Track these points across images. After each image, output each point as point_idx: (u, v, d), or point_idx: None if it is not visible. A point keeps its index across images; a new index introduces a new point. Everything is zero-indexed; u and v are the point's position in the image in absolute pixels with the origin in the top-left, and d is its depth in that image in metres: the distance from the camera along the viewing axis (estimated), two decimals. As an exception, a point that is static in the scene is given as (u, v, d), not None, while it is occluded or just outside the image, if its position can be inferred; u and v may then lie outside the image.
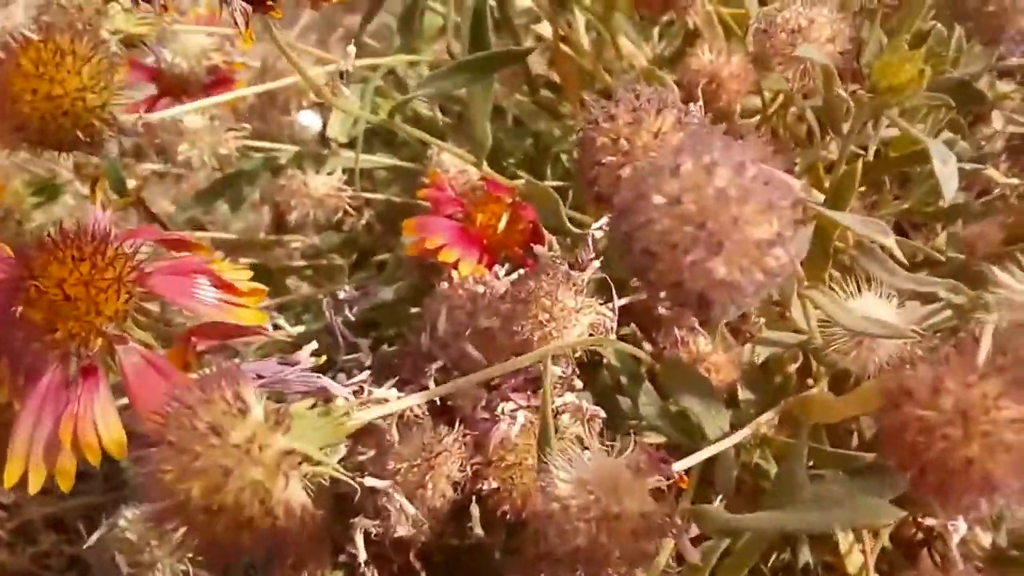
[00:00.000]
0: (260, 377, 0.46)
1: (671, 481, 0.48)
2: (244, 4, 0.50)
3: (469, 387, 0.62)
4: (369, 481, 0.50)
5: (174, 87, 0.96)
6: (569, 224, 0.69)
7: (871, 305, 0.58)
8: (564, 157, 1.00)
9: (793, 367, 0.84)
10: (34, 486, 0.52)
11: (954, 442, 0.42)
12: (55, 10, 0.70)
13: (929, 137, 0.77)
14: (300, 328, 0.80)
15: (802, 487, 0.58)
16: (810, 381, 0.76)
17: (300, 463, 0.41)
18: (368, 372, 0.49)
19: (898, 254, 0.55)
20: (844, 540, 0.81)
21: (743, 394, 0.76)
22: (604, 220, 0.68)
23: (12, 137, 0.63)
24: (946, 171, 0.57)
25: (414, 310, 0.83)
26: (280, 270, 0.97)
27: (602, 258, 0.66)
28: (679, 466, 0.49)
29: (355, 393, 0.47)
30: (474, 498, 0.62)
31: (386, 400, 0.48)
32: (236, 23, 0.51)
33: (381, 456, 0.63)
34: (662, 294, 0.39)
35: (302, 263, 0.98)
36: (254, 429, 0.41)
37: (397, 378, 0.57)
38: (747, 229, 0.37)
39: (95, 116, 0.62)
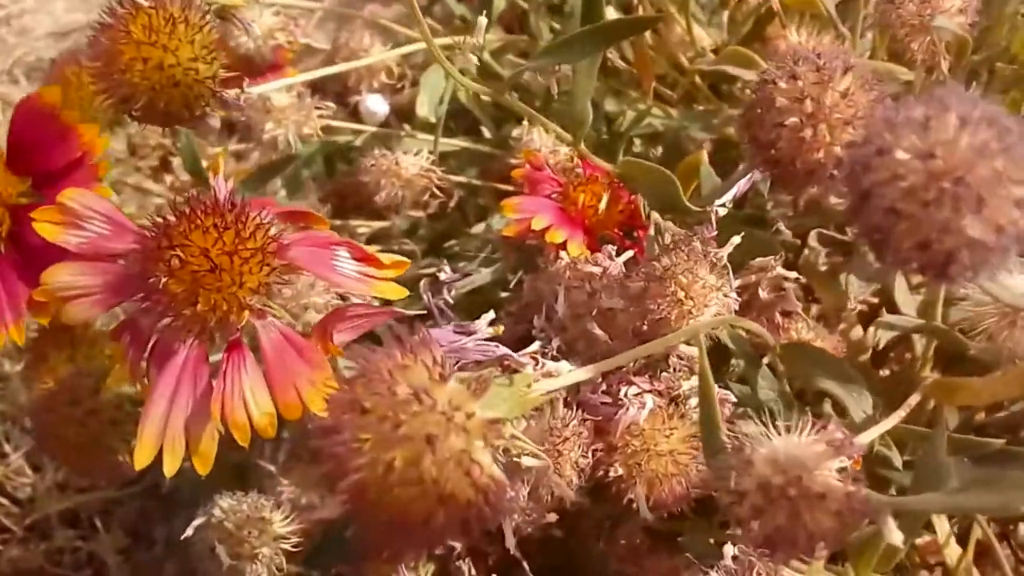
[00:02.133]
0: (440, 345, 0.43)
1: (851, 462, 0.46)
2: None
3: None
4: (528, 461, 0.48)
5: (237, 67, 0.94)
6: (687, 203, 0.67)
7: (1022, 284, 0.57)
8: (637, 141, 0.98)
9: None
10: (170, 469, 0.49)
11: None
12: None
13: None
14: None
15: (947, 470, 0.56)
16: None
17: (501, 434, 0.39)
18: (538, 344, 0.46)
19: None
20: (941, 531, 0.80)
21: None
22: (728, 196, 0.67)
23: (119, 108, 0.61)
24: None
25: (504, 295, 0.80)
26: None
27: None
28: (862, 440, 0.47)
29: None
30: (635, 483, 0.59)
31: (558, 373, 0.45)
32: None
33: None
34: (904, 255, 0.37)
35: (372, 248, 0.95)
36: (456, 396, 0.38)
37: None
38: (1009, 185, 0.35)
39: (205, 87, 0.60)
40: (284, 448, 0.87)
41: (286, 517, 0.70)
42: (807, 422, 0.45)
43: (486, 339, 0.44)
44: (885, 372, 0.86)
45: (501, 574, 0.75)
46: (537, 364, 0.45)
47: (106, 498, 1.27)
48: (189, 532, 0.66)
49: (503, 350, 0.43)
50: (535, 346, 0.46)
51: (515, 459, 0.50)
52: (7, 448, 1.27)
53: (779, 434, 0.45)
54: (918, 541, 0.83)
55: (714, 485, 0.45)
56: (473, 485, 0.38)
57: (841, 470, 0.45)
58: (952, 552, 0.79)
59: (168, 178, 0.92)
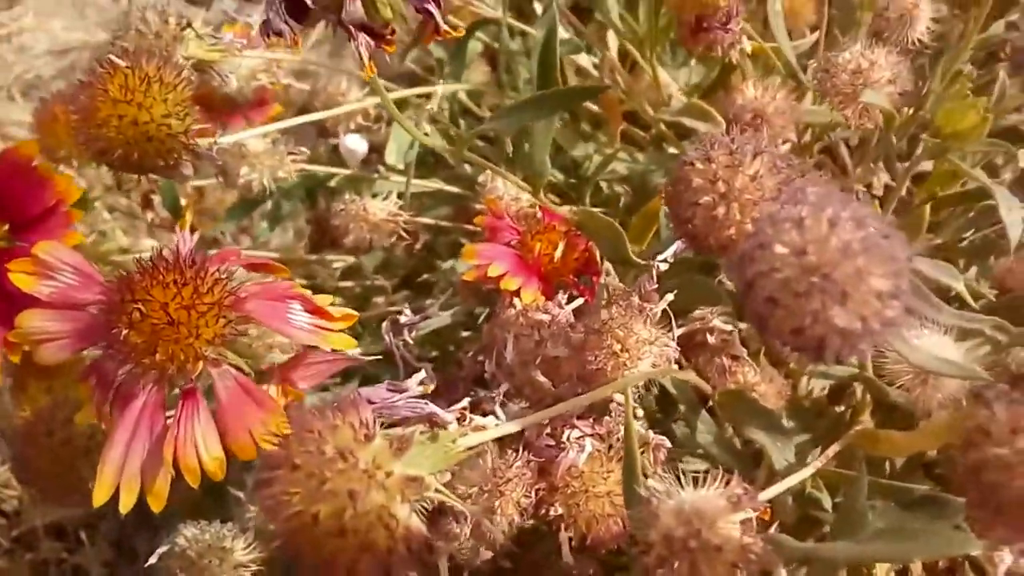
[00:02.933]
0: (371, 403, 0.47)
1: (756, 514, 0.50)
2: (367, 38, 0.51)
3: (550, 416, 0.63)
4: (459, 505, 0.51)
5: (220, 107, 0.98)
6: (632, 255, 0.71)
7: (936, 344, 0.60)
8: (604, 184, 1.02)
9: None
10: (125, 506, 0.53)
11: (1033, 481, 0.44)
12: (133, 35, 0.71)
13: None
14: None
15: (865, 517, 0.60)
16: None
17: (420, 488, 0.43)
18: (468, 399, 0.50)
19: (968, 299, 0.57)
20: (880, 570, 0.83)
21: (788, 424, 0.78)
22: (670, 251, 0.70)
23: (94, 160, 0.65)
24: (1012, 216, 0.59)
25: (465, 334, 0.84)
26: (321, 289, 0.98)
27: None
28: (764, 497, 0.51)
29: (457, 420, 0.48)
30: (564, 530, 0.63)
31: (484, 427, 0.49)
32: (360, 57, 0.52)
33: (448, 482, 0.65)
34: (781, 338, 0.40)
35: (346, 283, 0.99)
36: (378, 455, 0.42)
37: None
38: (870, 281, 0.38)
39: (177, 142, 0.64)
40: (252, 474, 0.90)
41: (248, 545, 0.73)
42: (716, 476, 0.49)
43: (416, 397, 0.48)
44: (839, 408, 0.90)
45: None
46: (464, 420, 0.48)
47: (91, 512, 1.30)
48: (153, 560, 0.70)
49: (431, 408, 0.47)
50: (464, 403, 0.49)
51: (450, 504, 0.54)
52: (-5, 461, 1.30)
53: (689, 488, 0.49)
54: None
55: (632, 534, 0.49)
56: (391, 536, 0.42)
57: (744, 521, 0.48)
58: (886, 585, 0.83)
59: (149, 215, 0.96)
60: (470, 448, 0.47)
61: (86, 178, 1.12)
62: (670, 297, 0.64)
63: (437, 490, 0.45)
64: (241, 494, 0.86)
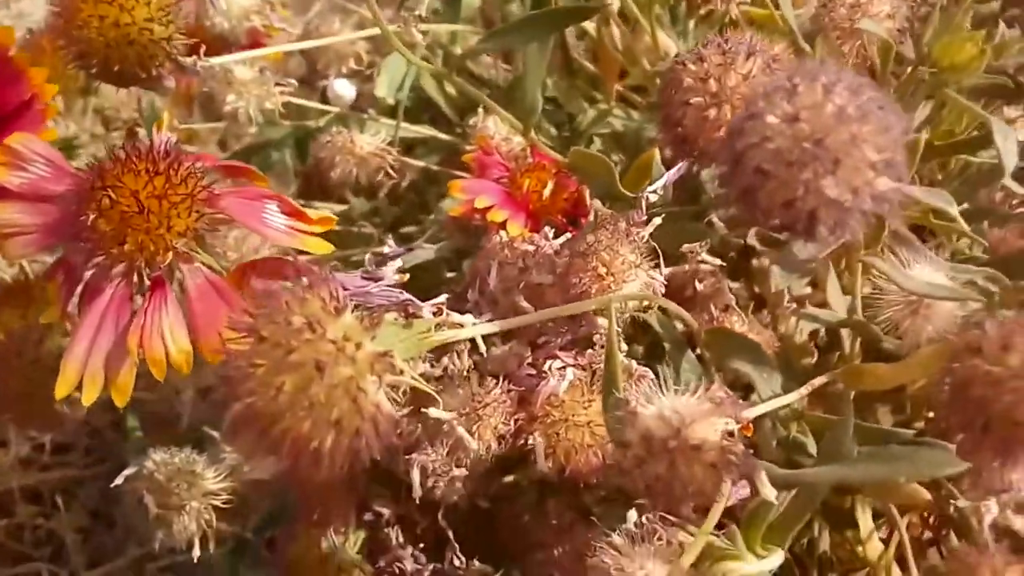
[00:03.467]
0: (345, 288, 0.45)
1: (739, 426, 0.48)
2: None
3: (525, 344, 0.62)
4: (434, 412, 0.50)
5: (211, 46, 0.96)
6: (622, 189, 0.70)
7: (928, 272, 0.59)
8: (598, 140, 1.00)
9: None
10: (87, 398, 0.52)
11: (1022, 396, 0.43)
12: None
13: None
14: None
15: (847, 453, 0.58)
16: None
17: (391, 368, 0.41)
18: (445, 298, 0.48)
19: (962, 224, 0.56)
20: (864, 526, 0.82)
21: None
22: (660, 182, 0.69)
23: (73, 65, 0.63)
24: (1007, 145, 0.58)
25: (450, 274, 0.83)
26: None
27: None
28: (749, 413, 0.49)
29: (434, 314, 0.47)
30: (535, 439, 0.61)
31: (462, 325, 0.47)
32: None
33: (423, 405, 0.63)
34: (770, 214, 0.39)
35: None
36: (348, 328, 0.40)
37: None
38: (864, 148, 0.37)
39: (159, 48, 0.62)
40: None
41: (219, 475, 0.72)
42: (698, 387, 0.48)
43: (391, 286, 0.47)
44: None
45: (429, 545, 0.77)
46: (440, 314, 0.47)
47: (69, 476, 1.28)
48: (119, 481, 0.68)
49: (406, 296, 0.46)
50: (441, 298, 0.48)
51: (426, 414, 0.52)
52: (-30, 424, 1.28)
53: (670, 394, 0.47)
54: (859, 550, 0.84)
55: (608, 437, 0.48)
56: (359, 412, 0.40)
57: (726, 433, 0.47)
58: (873, 548, 0.82)
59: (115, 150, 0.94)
60: (443, 340, 0.45)
61: (74, 124, 1.10)
62: (657, 221, 0.62)
63: (412, 378, 0.43)
64: (216, 433, 0.85)
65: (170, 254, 0.51)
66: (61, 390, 0.51)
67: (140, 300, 0.52)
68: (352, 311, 0.42)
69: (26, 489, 1.25)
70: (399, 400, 0.43)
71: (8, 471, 1.26)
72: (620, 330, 0.66)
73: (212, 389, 1.01)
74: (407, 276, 0.48)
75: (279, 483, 0.77)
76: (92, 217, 0.50)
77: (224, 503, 0.71)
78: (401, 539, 0.75)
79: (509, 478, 0.76)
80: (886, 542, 0.82)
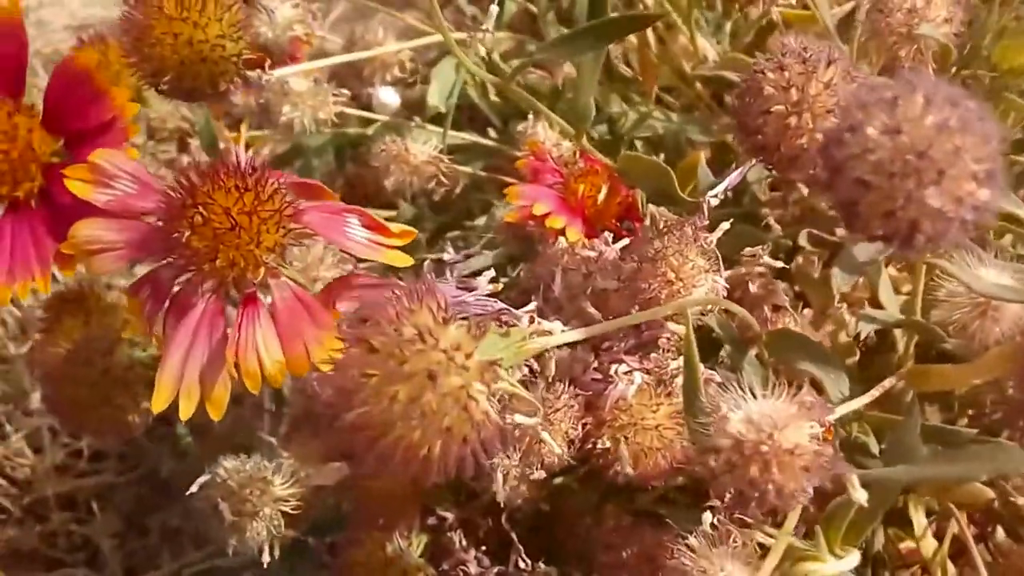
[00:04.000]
0: (444, 300, 0.46)
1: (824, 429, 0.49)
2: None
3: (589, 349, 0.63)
4: (519, 418, 0.51)
5: (256, 54, 0.97)
6: (682, 194, 0.71)
7: (995, 273, 0.60)
8: (639, 143, 1.01)
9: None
10: (185, 412, 0.53)
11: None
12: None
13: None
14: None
15: (915, 453, 0.59)
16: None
17: (497, 376, 0.42)
18: (533, 306, 0.49)
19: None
20: (918, 524, 0.83)
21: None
22: (721, 186, 0.70)
23: (147, 81, 0.64)
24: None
25: (503, 279, 0.84)
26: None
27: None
28: (834, 415, 0.50)
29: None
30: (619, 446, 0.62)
31: (551, 333, 0.48)
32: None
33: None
34: (871, 224, 0.40)
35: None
36: (459, 338, 0.41)
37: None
38: (966, 159, 0.38)
39: (230, 65, 0.63)
40: (285, 421, 0.90)
41: (286, 481, 0.73)
42: (782, 391, 0.49)
43: (486, 295, 0.48)
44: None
45: (492, 547, 0.78)
46: (533, 322, 0.48)
47: (104, 483, 1.28)
48: (194, 489, 0.69)
49: (502, 305, 0.47)
50: (532, 306, 0.49)
51: (508, 419, 0.53)
52: (8, 429, 1.29)
53: (756, 399, 0.48)
54: (900, 547, 0.85)
55: (693, 443, 0.48)
56: (470, 421, 0.41)
57: (813, 436, 0.48)
58: (928, 545, 0.82)
59: (185, 159, 0.95)
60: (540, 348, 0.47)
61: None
62: (726, 225, 0.63)
63: (511, 385, 0.44)
64: (273, 440, 0.86)
65: (262, 269, 0.52)
66: (158, 404, 0.52)
67: (232, 314, 0.53)
68: (456, 321, 0.43)
69: (61, 496, 1.26)
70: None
71: (43, 478, 1.27)
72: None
73: (244, 396, 1.02)
74: (500, 285, 0.49)
75: (342, 489, 0.78)
76: (186, 234, 0.51)
77: (292, 509, 0.72)
78: (464, 542, 0.76)
79: (560, 479, 0.78)
80: (936, 538, 0.83)
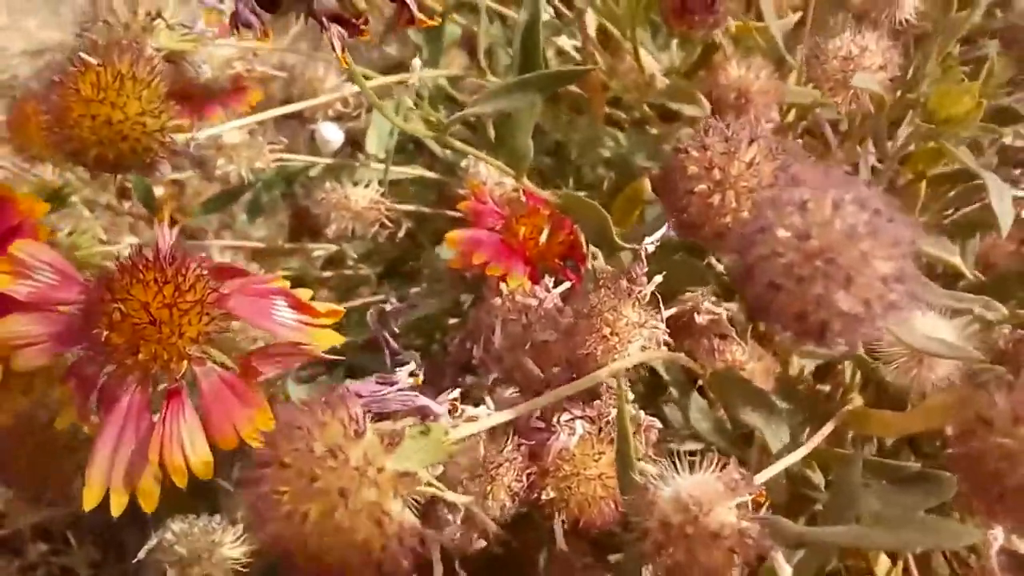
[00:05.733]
0: (360, 396, 0.46)
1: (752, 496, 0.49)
2: (340, 29, 0.50)
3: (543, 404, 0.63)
4: (451, 496, 0.50)
5: (194, 96, 0.95)
6: (618, 239, 0.70)
7: (930, 324, 0.60)
8: (587, 168, 1.01)
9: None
10: (117, 508, 0.52)
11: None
12: (100, 28, 0.68)
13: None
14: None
15: (858, 495, 0.60)
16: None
17: (413, 483, 0.42)
18: (458, 388, 0.49)
19: (966, 272, 0.57)
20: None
21: (778, 403, 0.77)
22: (657, 235, 0.70)
23: (67, 160, 0.63)
24: (1003, 206, 0.59)
25: (452, 321, 0.83)
26: (303, 280, 0.96)
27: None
28: (760, 479, 0.50)
29: (448, 411, 0.47)
30: (557, 515, 0.62)
31: (476, 418, 0.48)
32: (333, 48, 0.51)
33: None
34: (783, 323, 0.40)
35: (326, 273, 0.98)
36: (369, 451, 0.41)
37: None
38: (876, 264, 0.38)
39: (153, 140, 0.62)
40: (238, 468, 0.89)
41: (236, 538, 0.72)
42: (712, 460, 0.48)
43: (406, 389, 0.47)
44: (825, 387, 0.90)
45: (446, 593, 0.78)
46: (455, 411, 0.47)
47: (77, 512, 1.28)
48: (141, 555, 0.68)
49: (422, 400, 0.46)
50: (455, 393, 0.48)
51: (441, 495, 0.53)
52: (-24, 464, 1.27)
53: (685, 473, 0.48)
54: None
55: (627, 521, 0.48)
56: (384, 534, 0.41)
57: (740, 504, 0.48)
58: (883, 566, 0.83)
59: (127, 204, 0.94)
60: (462, 439, 0.46)
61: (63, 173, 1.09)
62: (659, 279, 0.63)
63: (429, 483, 0.44)
64: (229, 486, 0.85)
65: (184, 362, 0.52)
66: (89, 499, 0.52)
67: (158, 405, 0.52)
68: (371, 424, 0.42)
69: (36, 527, 1.25)
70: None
71: (16, 511, 1.27)
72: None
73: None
74: (421, 379, 0.49)
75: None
76: (105, 332, 0.50)
77: (244, 566, 0.72)
78: (419, 590, 0.76)
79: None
80: (889, 553, 0.84)
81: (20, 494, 0.76)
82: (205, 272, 0.53)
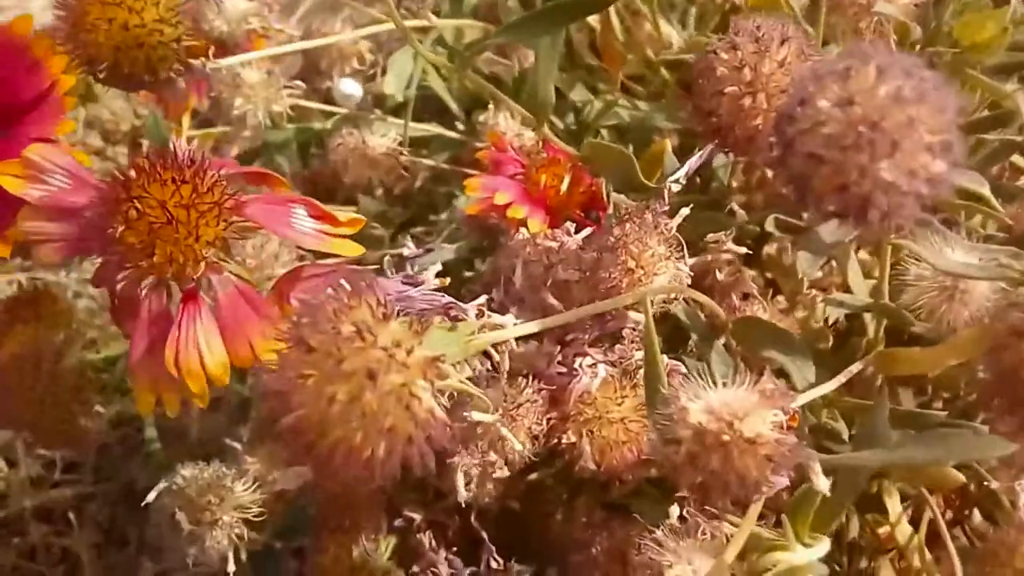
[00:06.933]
0: (387, 294, 0.44)
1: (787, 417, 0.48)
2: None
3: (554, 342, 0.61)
4: (477, 415, 0.49)
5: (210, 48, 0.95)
6: (644, 180, 0.69)
7: (960, 255, 0.59)
8: (604, 132, 0.99)
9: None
10: (171, 406, 0.51)
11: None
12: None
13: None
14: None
15: (887, 437, 0.58)
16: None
17: (441, 373, 0.40)
18: (485, 298, 0.47)
19: (996, 206, 0.55)
20: (893, 510, 0.82)
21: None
22: (681, 172, 0.68)
23: (81, 69, 0.61)
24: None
25: (468, 273, 0.82)
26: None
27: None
28: (797, 402, 0.49)
29: (476, 316, 0.46)
30: (580, 442, 0.61)
31: (503, 326, 0.47)
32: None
33: (457, 407, 0.62)
34: (823, 199, 0.38)
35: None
36: (399, 334, 0.39)
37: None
38: (921, 130, 0.36)
39: (169, 50, 0.61)
40: (250, 427, 0.87)
41: (248, 487, 0.71)
42: (744, 379, 0.47)
43: (433, 289, 0.46)
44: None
45: (461, 547, 0.76)
46: (482, 315, 0.46)
47: (80, 494, 1.26)
48: (150, 498, 0.67)
49: (448, 299, 0.45)
50: (481, 299, 0.47)
51: (466, 415, 0.51)
52: (-21, 443, 1.26)
53: (718, 388, 0.47)
54: (880, 531, 0.84)
55: (655, 435, 0.47)
56: (413, 419, 0.39)
57: (776, 425, 0.46)
58: (903, 531, 0.81)
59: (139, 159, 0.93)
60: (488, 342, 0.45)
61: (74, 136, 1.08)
62: (685, 211, 0.61)
63: (460, 382, 0.43)
64: (238, 445, 0.84)
65: (201, 265, 0.50)
66: (144, 406, 0.50)
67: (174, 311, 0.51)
68: (398, 316, 0.41)
69: (37, 508, 1.24)
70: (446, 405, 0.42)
71: (18, 491, 1.25)
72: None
73: (220, 400, 1.00)
74: (447, 280, 0.47)
75: (305, 492, 0.76)
76: (119, 229, 0.49)
77: (255, 515, 0.70)
78: (434, 543, 0.75)
79: (534, 476, 0.76)
80: (911, 523, 0.82)
81: (28, 435, 0.74)
82: (223, 177, 0.52)
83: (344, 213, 0.54)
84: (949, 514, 0.89)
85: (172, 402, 0.50)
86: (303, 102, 0.84)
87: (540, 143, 0.82)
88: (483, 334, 0.45)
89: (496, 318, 0.47)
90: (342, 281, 0.41)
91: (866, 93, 0.37)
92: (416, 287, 0.46)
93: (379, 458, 0.40)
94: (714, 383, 0.46)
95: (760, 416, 0.45)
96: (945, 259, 0.56)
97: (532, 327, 0.48)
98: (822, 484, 0.45)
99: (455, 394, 0.48)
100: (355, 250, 0.53)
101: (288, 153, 1.04)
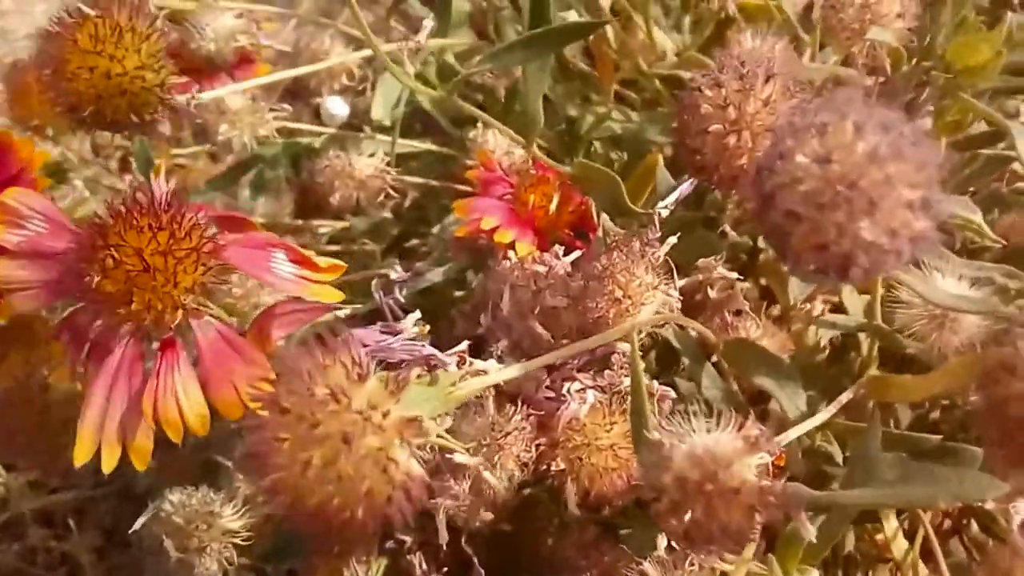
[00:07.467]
0: (364, 345, 0.44)
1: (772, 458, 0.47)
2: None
3: (542, 367, 0.61)
4: (460, 457, 0.48)
5: (199, 67, 0.94)
6: (631, 204, 0.68)
7: (951, 284, 0.58)
8: (597, 145, 0.98)
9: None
10: (108, 464, 0.50)
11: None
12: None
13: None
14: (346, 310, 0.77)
15: (878, 465, 0.57)
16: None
17: (420, 431, 0.40)
18: (467, 342, 0.47)
19: (987, 232, 0.55)
20: (889, 526, 0.81)
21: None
22: (671, 199, 0.68)
23: (65, 117, 0.61)
24: (1025, 150, 0.57)
25: (457, 293, 0.81)
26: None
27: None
28: (779, 440, 0.48)
29: (456, 364, 0.45)
30: (568, 480, 0.60)
31: (485, 372, 0.46)
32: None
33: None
34: (802, 257, 0.38)
35: (331, 248, 0.96)
36: (374, 395, 0.39)
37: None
38: (900, 188, 0.36)
39: (152, 95, 0.60)
40: (241, 444, 0.87)
41: (236, 511, 0.70)
42: (730, 420, 0.46)
43: (412, 339, 0.45)
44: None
45: (452, 569, 0.76)
46: (463, 363, 0.45)
47: (80, 497, 1.26)
48: (137, 526, 0.67)
49: (428, 349, 0.44)
50: (463, 346, 0.46)
51: (449, 457, 0.51)
52: (-23, 448, 1.26)
53: (702, 431, 0.46)
54: (878, 537, 0.84)
55: (641, 480, 0.46)
56: (390, 482, 0.39)
57: (760, 466, 0.46)
58: (899, 546, 0.81)
59: (128, 177, 0.93)
60: (470, 394, 0.44)
61: (63, 149, 1.08)
62: (673, 240, 0.61)
63: (438, 436, 0.42)
64: (229, 463, 0.83)
65: (179, 312, 0.50)
66: (80, 457, 0.50)
67: (152, 359, 0.50)
68: (376, 371, 0.40)
69: (37, 512, 1.24)
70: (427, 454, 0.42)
71: (18, 495, 1.25)
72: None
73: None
74: (427, 328, 0.47)
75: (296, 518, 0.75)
76: (96, 279, 0.49)
77: (244, 540, 0.70)
78: (424, 565, 0.74)
79: (527, 491, 0.76)
80: (907, 534, 0.81)
81: (22, 464, 0.73)
82: (201, 221, 0.51)
83: (324, 260, 0.53)
84: (947, 523, 0.89)
85: (110, 457, 0.50)
86: (290, 124, 0.83)
87: (530, 160, 0.81)
88: (465, 383, 0.45)
89: (478, 364, 0.46)
90: (319, 333, 0.40)
91: (843, 150, 0.36)
92: (395, 335, 0.45)
93: (359, 518, 0.40)
94: (706, 412, 0.46)
95: (744, 464, 0.44)
96: (935, 290, 0.56)
97: (514, 371, 0.48)
98: (809, 533, 0.44)
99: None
100: (334, 296, 0.53)
101: (278, 167, 1.03)
